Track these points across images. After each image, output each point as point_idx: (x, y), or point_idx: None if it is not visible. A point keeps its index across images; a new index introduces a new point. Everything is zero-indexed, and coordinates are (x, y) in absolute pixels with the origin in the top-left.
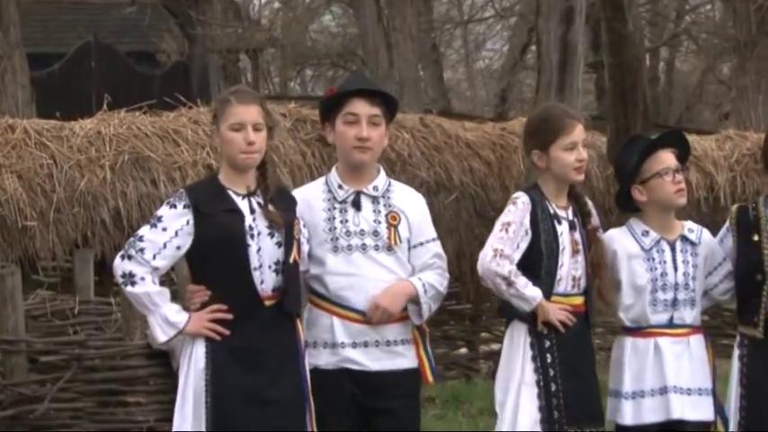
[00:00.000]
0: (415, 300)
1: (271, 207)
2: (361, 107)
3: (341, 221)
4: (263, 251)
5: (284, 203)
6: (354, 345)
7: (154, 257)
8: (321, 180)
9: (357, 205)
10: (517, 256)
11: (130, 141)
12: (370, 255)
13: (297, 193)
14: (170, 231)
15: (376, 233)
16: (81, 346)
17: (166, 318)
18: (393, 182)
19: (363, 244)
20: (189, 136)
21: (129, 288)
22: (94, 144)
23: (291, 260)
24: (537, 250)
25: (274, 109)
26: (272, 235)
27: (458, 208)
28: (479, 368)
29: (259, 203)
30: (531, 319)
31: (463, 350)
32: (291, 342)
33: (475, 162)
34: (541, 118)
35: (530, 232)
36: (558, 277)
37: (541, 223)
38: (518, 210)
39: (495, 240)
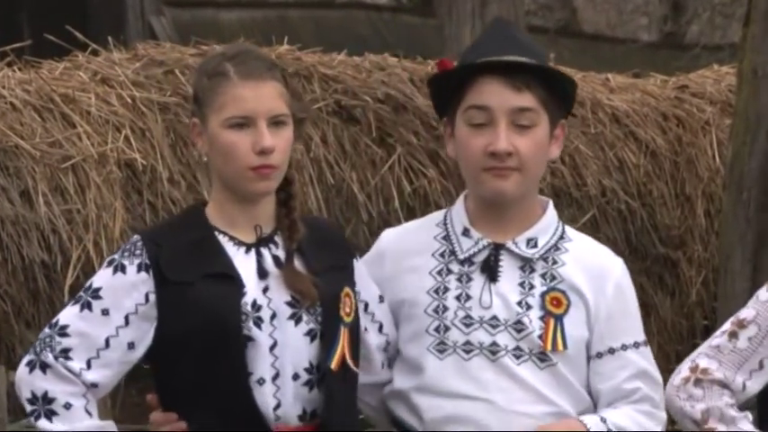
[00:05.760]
0: None
1: (298, 264)
2: (497, 95)
3: (457, 297)
4: (282, 348)
5: (328, 253)
6: None
7: (88, 366)
8: (437, 216)
9: (491, 271)
10: (756, 384)
11: None
12: (503, 364)
13: (391, 236)
14: (116, 317)
15: (519, 326)
16: None
17: None
18: (571, 232)
19: (494, 343)
20: (93, 107)
21: (42, 423)
22: None
23: (334, 365)
24: None
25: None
26: (296, 318)
27: (595, 238)
28: None
29: (277, 258)
30: None
31: None
32: None
33: (629, 151)
34: None
35: None
36: None
37: None
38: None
39: (703, 348)
